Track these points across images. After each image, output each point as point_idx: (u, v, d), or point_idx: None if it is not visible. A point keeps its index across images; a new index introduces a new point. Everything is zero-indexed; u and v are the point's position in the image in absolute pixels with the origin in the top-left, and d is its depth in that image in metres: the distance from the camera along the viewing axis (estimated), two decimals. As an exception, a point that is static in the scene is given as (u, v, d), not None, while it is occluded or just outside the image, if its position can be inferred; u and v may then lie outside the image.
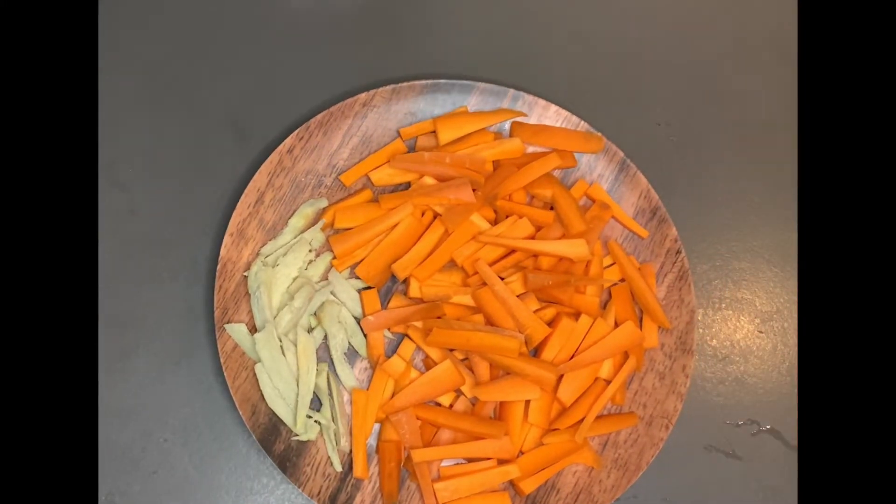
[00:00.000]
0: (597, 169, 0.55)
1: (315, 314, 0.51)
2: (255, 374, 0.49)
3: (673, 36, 0.62)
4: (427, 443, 0.49)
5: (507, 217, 0.52)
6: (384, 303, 0.52)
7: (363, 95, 0.53)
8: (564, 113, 0.55)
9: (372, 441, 0.50)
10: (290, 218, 0.52)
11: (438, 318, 0.50)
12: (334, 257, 0.52)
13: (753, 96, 0.60)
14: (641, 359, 0.52)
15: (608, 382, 0.50)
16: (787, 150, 0.58)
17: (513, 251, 0.51)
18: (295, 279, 0.51)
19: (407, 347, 0.51)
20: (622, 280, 0.53)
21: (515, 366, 0.48)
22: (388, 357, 0.50)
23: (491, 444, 0.48)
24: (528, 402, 0.49)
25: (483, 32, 0.60)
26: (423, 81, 0.54)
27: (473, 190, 0.51)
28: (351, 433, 0.49)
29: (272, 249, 0.51)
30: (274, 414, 0.49)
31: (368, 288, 0.52)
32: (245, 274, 0.50)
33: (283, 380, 0.49)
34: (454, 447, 0.49)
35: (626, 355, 0.51)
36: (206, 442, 0.50)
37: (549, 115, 0.55)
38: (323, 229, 0.52)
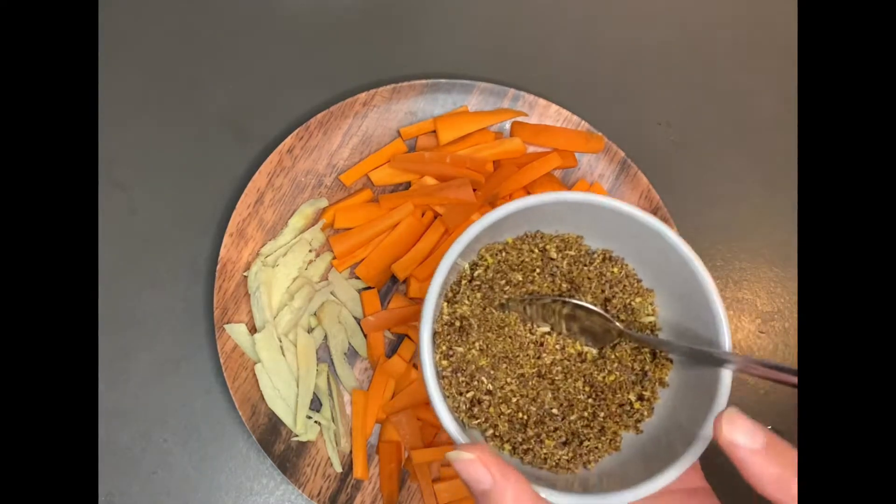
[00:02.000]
0: (597, 169, 0.54)
1: (315, 314, 0.51)
2: (255, 375, 0.49)
3: (673, 36, 0.62)
4: (428, 443, 0.49)
5: (507, 217, 0.52)
6: (384, 303, 0.52)
7: (363, 95, 0.53)
8: (565, 113, 0.54)
9: (372, 441, 0.50)
10: (290, 218, 0.52)
11: (439, 318, 0.50)
12: (334, 257, 0.52)
13: (753, 96, 0.60)
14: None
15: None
16: (787, 150, 0.58)
17: (513, 251, 0.51)
18: (295, 279, 0.51)
19: (407, 347, 0.50)
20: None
21: (516, 366, 0.48)
22: (389, 357, 0.50)
23: (491, 445, 0.48)
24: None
25: (483, 32, 0.60)
26: (423, 81, 0.54)
27: (474, 190, 0.51)
28: (351, 434, 0.49)
29: (272, 249, 0.51)
30: (274, 414, 0.49)
31: (368, 288, 0.52)
32: (245, 274, 0.50)
33: (283, 380, 0.49)
34: (454, 447, 0.49)
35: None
36: (206, 442, 0.50)
37: (550, 114, 0.55)
38: (323, 229, 0.52)
